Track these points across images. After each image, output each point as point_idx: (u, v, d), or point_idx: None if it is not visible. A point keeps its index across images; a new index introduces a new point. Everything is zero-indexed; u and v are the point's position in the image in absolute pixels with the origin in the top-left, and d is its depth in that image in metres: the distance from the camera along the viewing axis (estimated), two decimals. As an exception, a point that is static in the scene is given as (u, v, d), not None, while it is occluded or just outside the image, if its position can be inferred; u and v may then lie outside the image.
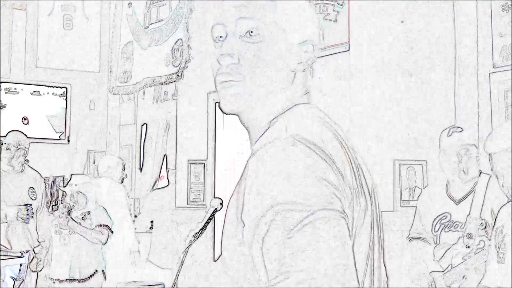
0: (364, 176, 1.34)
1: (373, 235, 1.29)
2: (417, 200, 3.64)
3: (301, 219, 1.14)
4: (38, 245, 4.59)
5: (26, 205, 4.54)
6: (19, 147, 4.62)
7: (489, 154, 2.83)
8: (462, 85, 4.08)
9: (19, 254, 4.49)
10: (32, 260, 4.56)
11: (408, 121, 4.05)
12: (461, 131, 3.31)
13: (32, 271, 4.58)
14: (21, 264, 4.53)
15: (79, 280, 4.46)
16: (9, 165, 4.58)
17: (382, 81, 4.03)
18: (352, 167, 1.29)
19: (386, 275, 1.39)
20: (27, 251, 4.56)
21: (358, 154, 1.39)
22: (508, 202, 2.83)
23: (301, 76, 1.36)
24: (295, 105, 1.34)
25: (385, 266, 1.39)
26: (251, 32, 1.31)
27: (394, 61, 4.05)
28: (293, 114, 1.32)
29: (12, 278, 4.49)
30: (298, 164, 1.19)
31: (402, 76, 4.06)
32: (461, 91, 4.08)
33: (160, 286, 5.24)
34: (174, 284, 1.41)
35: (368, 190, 1.33)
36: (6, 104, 6.30)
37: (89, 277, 4.50)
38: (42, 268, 4.56)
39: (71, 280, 4.45)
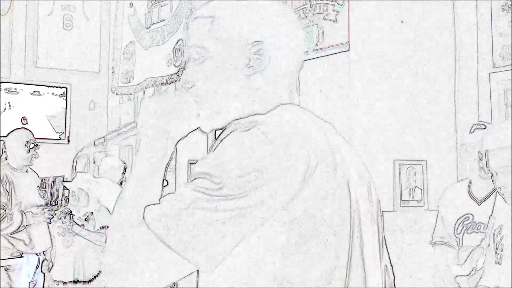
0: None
1: (353, 236, 1.29)
2: (439, 201, 3.52)
3: (210, 187, 1.20)
4: (50, 246, 4.58)
5: (46, 205, 4.52)
6: (35, 145, 4.60)
7: (485, 151, 2.81)
8: (462, 85, 4.08)
9: (20, 255, 4.47)
10: (43, 261, 4.54)
11: (408, 121, 4.05)
12: (484, 128, 3.21)
13: (43, 272, 4.56)
14: (36, 267, 4.51)
15: (83, 282, 4.46)
16: (29, 163, 4.55)
17: (382, 81, 4.03)
18: (335, 159, 1.29)
19: (393, 274, 1.39)
20: (40, 253, 4.54)
21: (358, 153, 1.39)
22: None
23: (270, 80, 1.37)
24: (278, 105, 1.36)
25: (391, 265, 1.39)
26: (197, 55, 1.37)
27: (394, 61, 4.05)
28: (274, 110, 1.35)
29: (28, 282, 4.47)
30: (228, 146, 1.24)
31: (402, 76, 4.06)
32: (461, 91, 4.08)
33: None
34: (174, 284, 1.42)
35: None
36: (13, 106, 6.29)
37: (93, 278, 4.49)
38: (51, 268, 4.54)
39: (75, 281, 4.45)
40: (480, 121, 3.37)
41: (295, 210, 1.21)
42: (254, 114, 1.34)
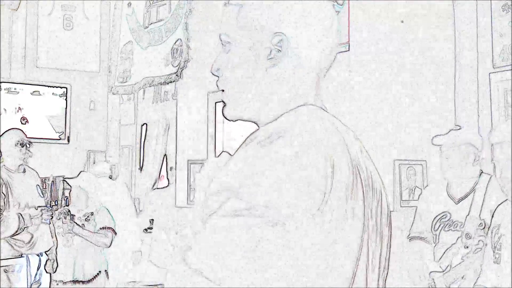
0: (370, 177, 1.35)
1: (368, 239, 1.28)
2: (418, 199, 3.64)
3: (237, 208, 1.18)
4: (53, 246, 4.58)
5: (46, 206, 4.51)
6: (27, 143, 4.60)
7: (492, 144, 2.86)
8: (462, 85, 4.08)
9: (20, 255, 4.46)
10: (46, 262, 4.53)
11: (408, 121, 4.05)
12: (459, 129, 3.33)
13: (48, 272, 4.54)
14: (37, 268, 4.50)
15: (83, 282, 4.45)
16: (24, 162, 4.54)
17: (381, 81, 4.03)
18: (354, 170, 1.28)
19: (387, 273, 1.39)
20: (41, 254, 4.53)
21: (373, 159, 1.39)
22: (505, 201, 2.84)
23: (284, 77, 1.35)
24: (301, 105, 1.34)
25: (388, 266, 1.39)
26: (225, 43, 1.37)
27: (393, 61, 4.05)
28: (296, 114, 1.32)
29: (30, 283, 4.45)
30: (251, 163, 1.22)
31: (402, 76, 4.06)
32: (461, 91, 4.08)
33: (160, 286, 5.24)
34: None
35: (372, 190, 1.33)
36: (22, 108, 6.29)
37: (92, 279, 4.49)
38: (57, 267, 4.52)
39: (75, 281, 4.44)
40: (458, 124, 3.48)
41: (321, 222, 1.19)
42: (277, 119, 1.32)
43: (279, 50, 1.32)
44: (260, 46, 1.33)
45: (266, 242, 1.16)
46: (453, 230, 3.24)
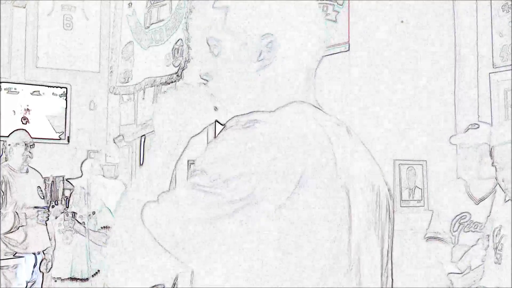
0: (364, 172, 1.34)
1: (352, 244, 1.27)
2: (437, 197, 3.57)
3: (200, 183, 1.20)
4: (50, 246, 4.60)
5: (44, 207, 4.56)
6: (28, 144, 4.67)
7: (492, 146, 2.84)
8: (462, 85, 4.08)
9: (14, 254, 4.48)
10: (41, 261, 4.56)
11: (408, 121, 4.05)
12: (477, 127, 3.24)
13: (41, 272, 4.58)
14: (34, 266, 4.53)
15: (81, 280, 4.46)
16: (25, 163, 4.62)
17: (382, 81, 4.03)
18: (338, 165, 1.28)
19: (392, 277, 1.39)
20: (38, 253, 4.56)
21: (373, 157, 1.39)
22: (507, 201, 2.83)
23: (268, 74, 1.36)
24: (289, 103, 1.35)
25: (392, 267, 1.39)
26: (213, 47, 1.37)
27: (394, 61, 4.05)
28: (279, 110, 1.33)
29: (26, 281, 4.49)
30: (224, 141, 1.25)
31: (402, 76, 4.06)
32: (461, 91, 4.08)
33: (160, 286, 5.23)
34: (174, 284, 1.42)
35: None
36: (31, 109, 6.29)
37: (91, 277, 4.50)
38: (51, 268, 4.56)
39: (72, 279, 4.45)
40: (476, 122, 3.40)
41: (289, 214, 1.19)
42: (256, 111, 1.32)
43: (270, 51, 1.32)
44: (249, 48, 1.32)
45: (221, 221, 1.17)
46: (473, 231, 3.16)
